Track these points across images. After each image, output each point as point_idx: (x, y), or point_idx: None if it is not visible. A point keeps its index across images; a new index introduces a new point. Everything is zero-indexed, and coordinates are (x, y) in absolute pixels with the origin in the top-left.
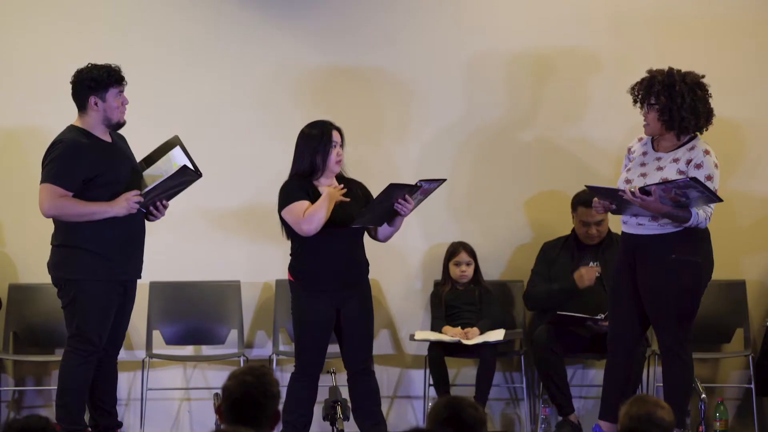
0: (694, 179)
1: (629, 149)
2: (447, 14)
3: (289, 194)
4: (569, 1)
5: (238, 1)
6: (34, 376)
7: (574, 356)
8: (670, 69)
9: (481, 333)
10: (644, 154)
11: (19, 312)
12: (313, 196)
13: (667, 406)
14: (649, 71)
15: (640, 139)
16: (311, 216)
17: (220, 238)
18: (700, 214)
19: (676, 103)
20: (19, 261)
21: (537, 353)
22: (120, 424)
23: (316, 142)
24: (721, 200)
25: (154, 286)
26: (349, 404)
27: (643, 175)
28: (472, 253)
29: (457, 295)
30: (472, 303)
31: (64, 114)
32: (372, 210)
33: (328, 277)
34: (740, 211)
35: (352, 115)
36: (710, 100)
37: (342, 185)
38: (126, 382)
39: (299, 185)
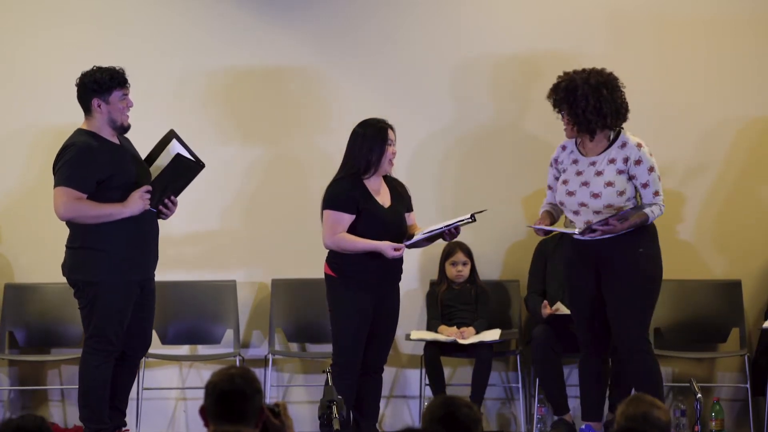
0: (623, 211)
1: (555, 160)
2: (443, 15)
3: (338, 200)
4: (568, 2)
5: (236, 1)
6: (30, 376)
7: (572, 356)
8: (575, 72)
9: (477, 332)
10: (575, 162)
11: (15, 312)
12: (363, 197)
13: (663, 405)
14: (560, 75)
15: (564, 148)
16: (342, 243)
17: (216, 237)
18: (654, 209)
19: (580, 107)
20: (15, 261)
21: (535, 352)
22: (125, 423)
23: (371, 141)
24: (643, 211)
25: None
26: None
27: (585, 183)
28: (468, 253)
29: (453, 295)
30: (468, 303)
31: (62, 115)
32: (430, 237)
33: (371, 273)
34: (735, 212)
35: (348, 114)
36: (623, 94)
37: (402, 248)
38: None
39: (351, 192)
